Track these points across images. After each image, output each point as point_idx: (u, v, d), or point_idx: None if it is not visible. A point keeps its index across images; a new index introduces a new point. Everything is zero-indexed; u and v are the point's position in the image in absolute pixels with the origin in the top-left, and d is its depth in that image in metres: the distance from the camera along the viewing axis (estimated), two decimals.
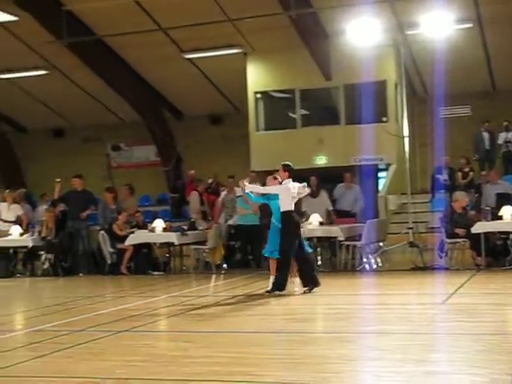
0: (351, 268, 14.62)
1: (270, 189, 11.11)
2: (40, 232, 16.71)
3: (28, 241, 16.44)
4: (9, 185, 21.54)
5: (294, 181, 10.94)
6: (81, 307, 10.24)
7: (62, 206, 16.55)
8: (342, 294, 10.99)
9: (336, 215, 16.32)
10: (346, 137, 19.94)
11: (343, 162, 19.89)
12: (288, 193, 10.69)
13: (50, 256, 16.29)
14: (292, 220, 10.63)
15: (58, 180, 15.45)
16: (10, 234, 16.64)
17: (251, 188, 11.20)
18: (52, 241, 16.30)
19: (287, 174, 10.86)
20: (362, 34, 16.56)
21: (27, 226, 17.26)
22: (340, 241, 14.45)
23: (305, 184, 11.14)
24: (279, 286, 10.64)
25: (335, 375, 5.41)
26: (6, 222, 17.33)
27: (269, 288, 10.75)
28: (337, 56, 19.89)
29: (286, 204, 10.65)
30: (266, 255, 11.14)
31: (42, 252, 16.45)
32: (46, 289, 14.39)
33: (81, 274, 15.87)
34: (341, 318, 8.43)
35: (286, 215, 10.64)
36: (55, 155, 25.08)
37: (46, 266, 16.44)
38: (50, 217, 16.62)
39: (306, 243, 11.22)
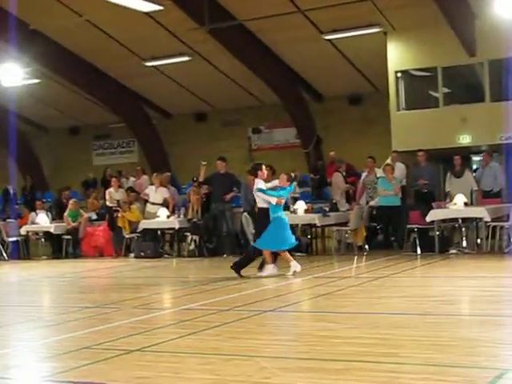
0: (498, 250, 14.12)
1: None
2: (186, 214, 17.20)
3: (175, 222, 16.95)
4: (155, 168, 22.29)
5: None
6: (226, 287, 10.46)
7: (206, 189, 16.93)
8: (491, 277, 10.64)
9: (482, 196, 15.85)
10: (492, 114, 19.18)
11: (489, 140, 19.18)
12: None
13: (196, 237, 16.76)
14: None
15: (204, 163, 15.74)
16: (158, 216, 17.19)
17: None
18: (197, 222, 16.74)
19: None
20: (509, 6, 15.84)
21: (173, 208, 17.79)
22: (486, 222, 14.00)
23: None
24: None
25: (487, 359, 5.25)
26: (153, 204, 17.91)
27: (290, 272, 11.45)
28: (481, 31, 19.14)
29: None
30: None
31: (188, 233, 16.94)
32: (193, 269, 14.80)
33: (225, 255, 16.19)
34: (492, 300, 8.17)
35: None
36: (197, 139, 25.70)
37: (192, 246, 16.94)
38: (196, 199, 17.07)
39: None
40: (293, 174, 12.41)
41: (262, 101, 24.58)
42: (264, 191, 11.68)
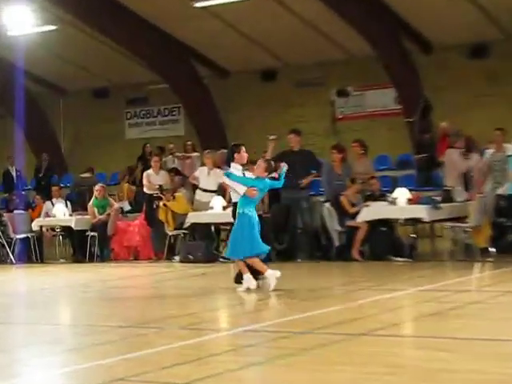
0: None
1: None
2: None
3: None
4: (208, 144, 22.44)
5: None
6: (302, 302, 10.50)
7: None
8: None
9: None
10: None
11: None
12: None
13: None
14: None
15: (273, 137, 15.72)
16: (212, 208, 17.30)
17: None
18: (263, 216, 16.80)
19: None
20: None
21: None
22: None
23: None
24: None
25: None
26: (205, 191, 18.01)
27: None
28: None
29: None
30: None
31: None
32: None
33: (299, 260, 16.22)
34: None
35: None
36: (263, 105, 25.76)
37: None
38: None
39: None
40: (272, 163, 12.10)
41: (351, 53, 24.51)
42: (232, 176, 11.72)
